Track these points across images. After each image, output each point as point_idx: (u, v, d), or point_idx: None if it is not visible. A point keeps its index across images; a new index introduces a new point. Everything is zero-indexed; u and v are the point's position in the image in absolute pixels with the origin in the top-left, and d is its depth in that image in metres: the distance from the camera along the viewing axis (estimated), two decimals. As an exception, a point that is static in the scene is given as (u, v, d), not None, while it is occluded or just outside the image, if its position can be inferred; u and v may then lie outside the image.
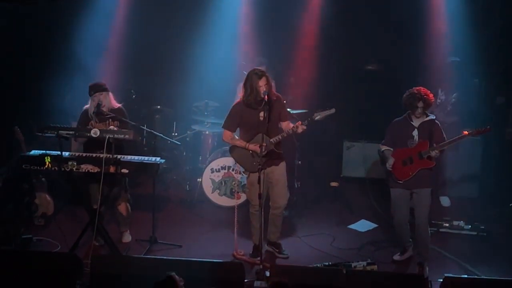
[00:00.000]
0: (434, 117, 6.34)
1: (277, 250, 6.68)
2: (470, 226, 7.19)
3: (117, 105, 6.60)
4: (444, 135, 6.28)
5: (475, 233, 7.14)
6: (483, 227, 7.18)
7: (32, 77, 8.47)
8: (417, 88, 6.27)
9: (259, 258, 6.07)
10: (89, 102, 6.51)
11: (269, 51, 8.48)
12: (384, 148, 6.46)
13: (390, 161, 6.30)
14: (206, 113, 8.44)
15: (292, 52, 9.09)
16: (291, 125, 6.21)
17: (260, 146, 6.05)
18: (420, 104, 6.19)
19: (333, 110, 6.01)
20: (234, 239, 6.70)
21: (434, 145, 6.18)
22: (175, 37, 9.26)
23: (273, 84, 7.60)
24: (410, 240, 6.58)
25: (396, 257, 6.63)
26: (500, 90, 8.74)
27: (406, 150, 6.30)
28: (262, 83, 6.11)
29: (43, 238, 6.80)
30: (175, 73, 9.24)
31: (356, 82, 9.53)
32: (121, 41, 8.86)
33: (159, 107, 9.20)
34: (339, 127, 9.24)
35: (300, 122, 6.09)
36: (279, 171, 6.39)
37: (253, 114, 6.25)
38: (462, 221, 7.23)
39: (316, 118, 6.03)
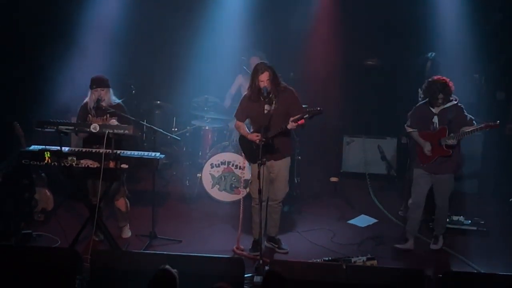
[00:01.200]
0: (457, 101, 6.35)
1: (276, 246, 6.68)
2: (470, 221, 7.19)
3: (116, 100, 6.58)
4: (469, 118, 6.32)
5: (475, 228, 7.14)
6: (483, 222, 7.18)
7: (31, 72, 8.45)
8: (436, 78, 6.32)
9: (258, 253, 6.08)
10: (89, 95, 6.49)
11: (269, 46, 8.45)
12: (410, 130, 6.56)
13: (428, 146, 6.38)
14: (206, 109, 8.42)
15: (292, 47, 9.06)
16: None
17: (260, 140, 6.06)
18: (440, 96, 6.27)
19: (320, 111, 6.04)
20: (237, 234, 6.71)
21: (452, 134, 6.27)
22: (175, 33, 9.24)
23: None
24: (415, 232, 6.63)
25: (397, 245, 6.69)
26: (500, 85, 8.72)
27: (429, 134, 6.40)
28: (263, 77, 6.13)
29: (43, 233, 6.80)
30: (175, 69, 9.23)
31: (356, 77, 9.51)
32: (122, 37, 8.84)
33: (159, 102, 9.19)
34: (339, 122, 9.23)
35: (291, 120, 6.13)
36: (279, 166, 6.41)
37: (256, 107, 6.28)
38: (462, 216, 7.23)
39: (304, 116, 6.08)
